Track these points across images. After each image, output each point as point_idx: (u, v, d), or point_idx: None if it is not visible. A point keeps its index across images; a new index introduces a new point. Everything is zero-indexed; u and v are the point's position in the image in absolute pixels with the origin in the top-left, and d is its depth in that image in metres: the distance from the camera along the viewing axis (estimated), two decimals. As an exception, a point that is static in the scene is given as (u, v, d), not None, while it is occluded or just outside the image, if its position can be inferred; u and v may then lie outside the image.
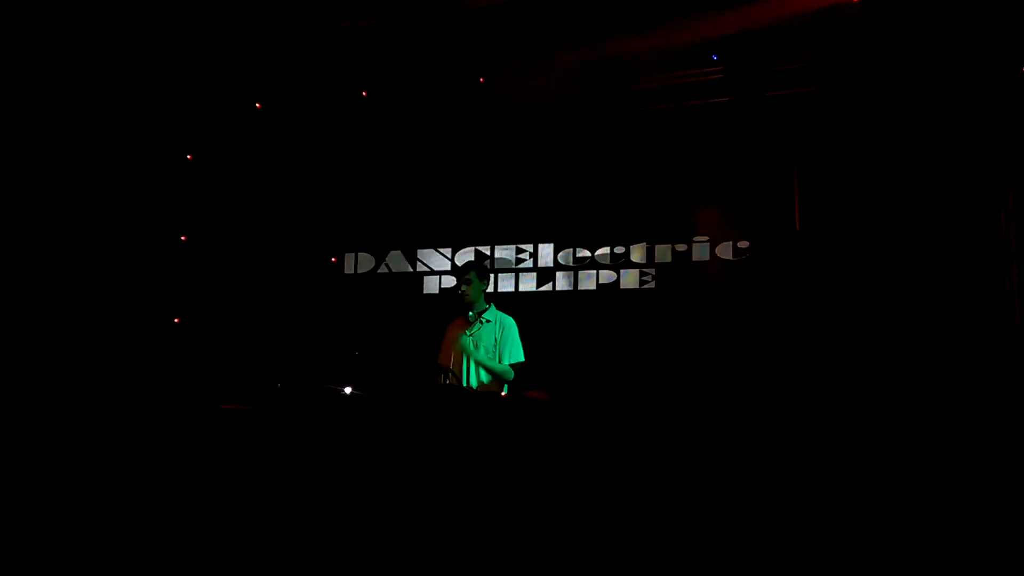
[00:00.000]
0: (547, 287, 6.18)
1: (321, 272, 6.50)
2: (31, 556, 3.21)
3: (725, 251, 5.66)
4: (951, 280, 4.88)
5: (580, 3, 5.16)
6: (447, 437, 3.37)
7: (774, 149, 5.36)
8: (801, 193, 5.37)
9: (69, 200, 5.69)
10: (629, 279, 5.94)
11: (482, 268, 4.59)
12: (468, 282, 4.45)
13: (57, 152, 5.64)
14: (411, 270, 6.46)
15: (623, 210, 5.92)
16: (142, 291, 5.99)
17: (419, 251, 6.46)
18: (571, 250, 6.13)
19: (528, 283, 6.24)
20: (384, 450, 3.40)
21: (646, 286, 5.87)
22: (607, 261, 6.03)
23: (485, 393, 4.25)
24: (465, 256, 6.34)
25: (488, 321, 4.46)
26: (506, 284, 6.21)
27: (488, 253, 6.39)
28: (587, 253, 6.09)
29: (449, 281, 6.38)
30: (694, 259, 5.74)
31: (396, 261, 6.50)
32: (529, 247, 6.27)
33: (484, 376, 4.40)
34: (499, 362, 4.38)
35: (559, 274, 6.17)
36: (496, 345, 4.41)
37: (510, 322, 4.49)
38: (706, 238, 5.71)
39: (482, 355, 4.37)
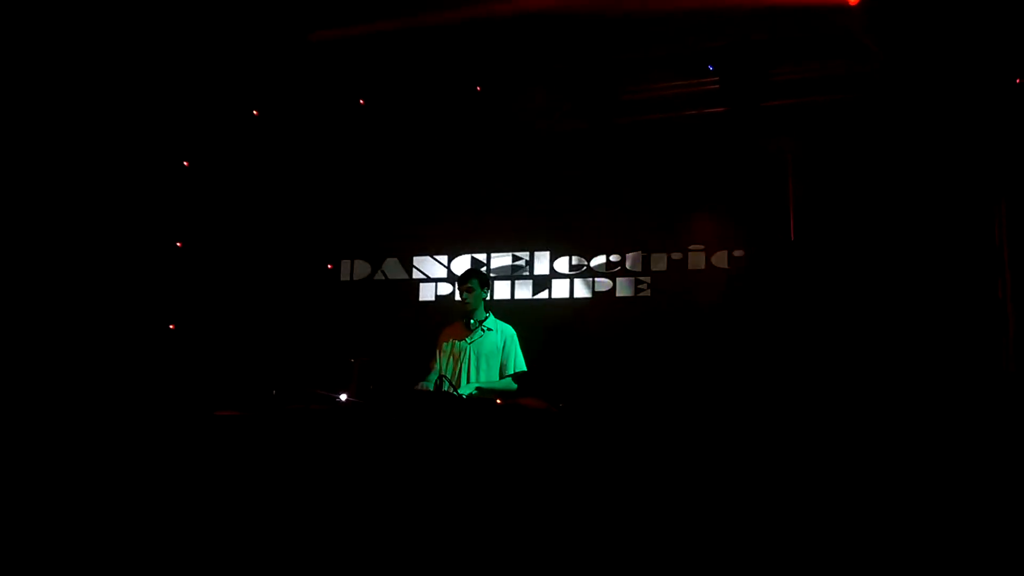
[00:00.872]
0: (543, 295, 6.19)
1: (317, 279, 6.50)
2: (28, 560, 3.20)
3: (720, 260, 5.67)
4: (945, 288, 4.90)
5: (577, 15, 5.18)
6: (442, 444, 3.37)
7: (769, 159, 5.39)
8: (796, 202, 5.39)
9: (65, 206, 5.69)
10: (624, 287, 5.95)
11: (483, 276, 4.57)
12: (470, 290, 4.43)
13: (53, 158, 5.64)
14: (407, 277, 6.47)
15: (619, 219, 5.94)
16: (138, 297, 5.98)
17: (415, 258, 6.46)
18: (567, 258, 6.14)
19: (524, 291, 6.25)
20: (379, 457, 3.40)
21: (641, 294, 5.89)
22: (603, 269, 6.04)
23: (480, 400, 4.25)
24: (461, 263, 6.35)
25: (489, 330, 4.45)
26: (502, 291, 6.22)
27: (484, 260, 6.39)
28: (583, 261, 6.10)
29: (445, 288, 6.38)
30: (689, 268, 5.75)
31: (392, 268, 6.50)
32: (525, 255, 6.28)
33: (483, 376, 4.39)
34: (501, 374, 4.38)
35: (555, 282, 6.18)
36: (499, 354, 4.40)
37: (511, 332, 4.48)
38: (701, 247, 5.72)
39: (483, 380, 4.36)
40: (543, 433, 3.48)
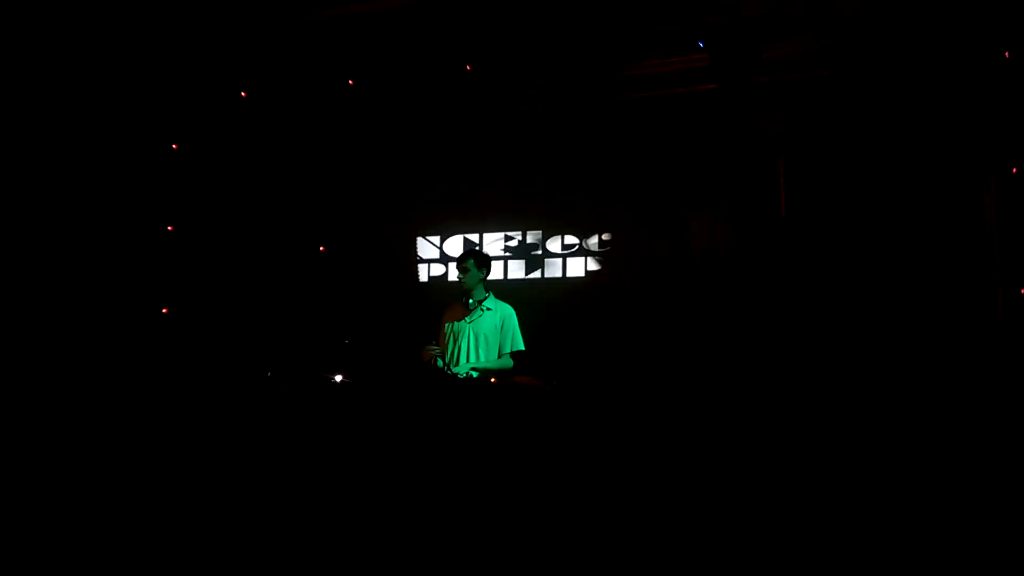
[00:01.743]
0: (536, 274, 6.20)
1: (310, 261, 6.49)
2: (13, 546, 3.22)
3: (711, 237, 5.69)
4: (936, 266, 4.93)
5: None
6: (436, 423, 3.39)
7: (760, 136, 5.39)
8: (787, 180, 5.40)
9: (53, 191, 5.65)
10: (616, 266, 5.97)
11: (481, 256, 4.59)
12: (466, 270, 4.48)
13: (40, 143, 5.59)
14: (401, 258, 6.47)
15: (611, 197, 5.94)
16: (129, 282, 5.96)
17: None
18: (560, 237, 6.15)
19: (517, 270, 6.26)
20: (373, 437, 3.42)
21: (634, 272, 5.91)
22: (596, 248, 6.05)
23: (473, 379, 4.27)
24: (454, 244, 6.34)
25: (488, 309, 4.49)
26: (495, 271, 6.23)
27: (477, 240, 6.39)
28: (575, 240, 6.11)
29: (438, 269, 6.39)
30: (681, 245, 5.77)
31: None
32: (518, 234, 6.28)
33: (481, 356, 4.42)
34: (499, 352, 4.41)
35: (548, 261, 6.19)
36: (497, 333, 4.43)
37: (510, 311, 4.52)
38: (692, 224, 5.74)
39: (482, 360, 4.40)
40: (537, 411, 3.50)
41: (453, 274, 6.43)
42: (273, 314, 6.20)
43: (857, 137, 5.18)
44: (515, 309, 4.62)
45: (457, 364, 4.36)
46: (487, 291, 4.55)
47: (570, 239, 6.12)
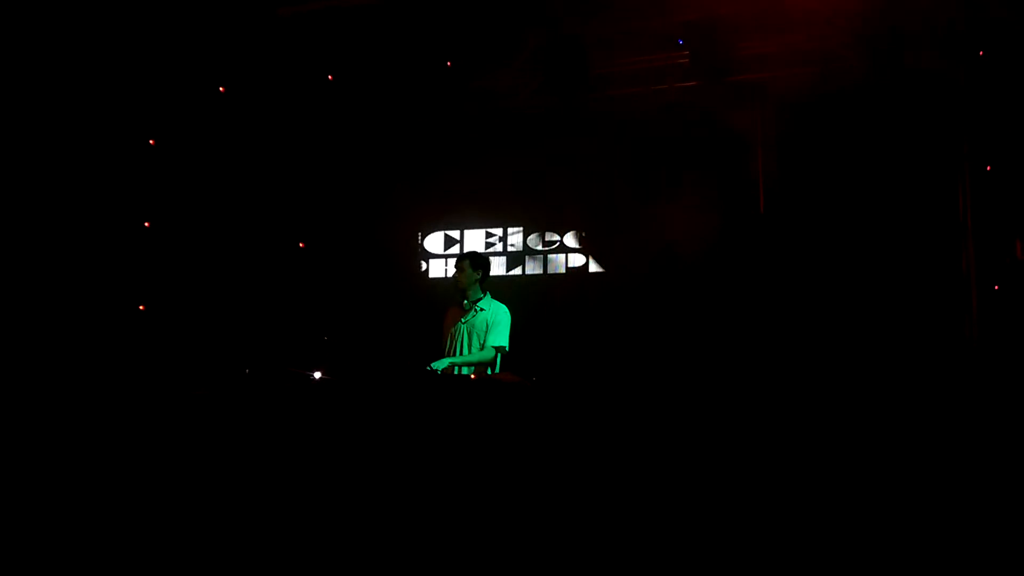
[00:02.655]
0: (517, 271, 6.21)
1: (289, 257, 6.45)
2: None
3: (691, 233, 5.71)
4: (911, 261, 4.99)
5: None
6: (415, 419, 3.39)
7: (738, 133, 5.43)
8: (765, 177, 5.44)
9: (28, 188, 5.57)
10: (596, 263, 5.99)
11: (478, 258, 4.63)
12: (461, 269, 4.53)
13: (15, 139, 5.52)
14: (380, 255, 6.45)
15: (591, 194, 5.96)
16: (106, 279, 5.89)
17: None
18: (540, 234, 6.16)
19: (498, 268, 6.26)
20: (351, 433, 3.41)
21: (614, 269, 5.94)
22: (576, 244, 6.07)
23: (453, 376, 4.27)
24: (435, 241, 6.34)
25: (482, 309, 4.51)
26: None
27: (458, 238, 6.39)
28: (556, 237, 6.12)
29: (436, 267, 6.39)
30: (661, 241, 5.78)
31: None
32: (499, 231, 6.28)
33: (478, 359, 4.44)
34: (481, 347, 4.42)
35: (528, 258, 6.20)
36: (487, 330, 4.45)
37: (502, 309, 4.53)
38: (672, 220, 5.76)
39: (465, 356, 4.42)
40: (516, 406, 3.51)
41: (434, 271, 6.43)
42: (252, 312, 6.16)
43: (835, 135, 5.22)
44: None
45: None
46: (483, 291, 4.56)
47: (551, 236, 6.13)
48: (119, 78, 5.77)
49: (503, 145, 6.04)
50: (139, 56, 5.71)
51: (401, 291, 6.24)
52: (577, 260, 6.07)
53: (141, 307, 6.09)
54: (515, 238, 6.23)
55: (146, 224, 6.17)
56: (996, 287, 4.98)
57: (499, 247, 6.26)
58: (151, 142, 6.17)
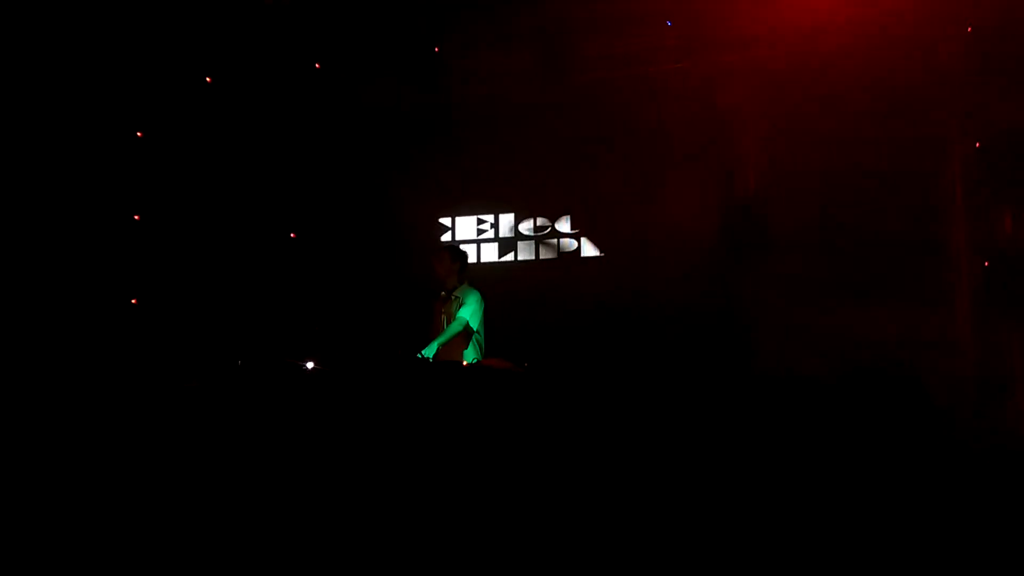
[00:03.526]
0: (509, 257, 6.20)
1: (279, 248, 6.43)
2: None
3: (679, 217, 5.70)
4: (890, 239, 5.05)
5: None
6: (407, 407, 3.39)
7: (721, 114, 5.41)
8: (753, 158, 5.44)
9: (15, 181, 5.55)
10: (589, 248, 6.00)
11: (455, 251, 4.80)
12: (440, 260, 4.67)
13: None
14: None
15: (581, 179, 5.95)
16: (97, 272, 5.87)
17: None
18: (532, 220, 6.16)
19: (490, 254, 6.26)
20: (344, 422, 3.42)
21: (606, 253, 5.94)
22: (567, 230, 6.06)
23: (444, 362, 4.30)
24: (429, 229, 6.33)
25: (456, 297, 4.62)
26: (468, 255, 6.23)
27: (449, 225, 6.38)
28: (547, 222, 6.11)
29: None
30: (651, 225, 5.78)
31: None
32: (490, 217, 6.28)
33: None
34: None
35: (520, 244, 6.19)
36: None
37: (475, 293, 4.65)
38: (661, 204, 5.75)
39: (440, 336, 4.50)
40: (507, 392, 3.52)
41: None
42: (244, 303, 6.15)
43: (813, 116, 5.20)
44: (488, 293, 4.69)
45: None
46: (461, 282, 4.63)
47: (542, 221, 6.13)
48: (105, 70, 5.73)
49: (492, 129, 6.01)
50: (125, 47, 5.67)
51: (389, 282, 6.22)
52: (569, 245, 6.06)
53: (133, 300, 6.08)
54: (506, 224, 6.22)
55: (135, 217, 6.14)
56: (986, 263, 4.99)
57: (490, 233, 6.25)
58: (139, 134, 6.14)
